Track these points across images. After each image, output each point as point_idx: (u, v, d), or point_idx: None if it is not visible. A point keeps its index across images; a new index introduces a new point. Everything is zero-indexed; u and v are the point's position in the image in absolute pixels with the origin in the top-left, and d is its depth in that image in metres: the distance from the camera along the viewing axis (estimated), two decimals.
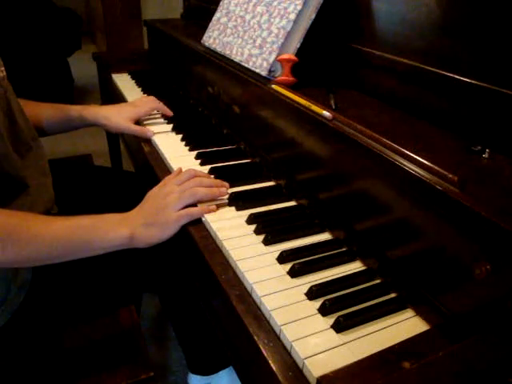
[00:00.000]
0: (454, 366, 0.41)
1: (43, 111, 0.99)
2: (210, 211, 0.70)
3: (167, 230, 0.68)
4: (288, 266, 0.59)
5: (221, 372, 1.09)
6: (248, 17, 0.93)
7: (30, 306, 0.72)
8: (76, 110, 1.00)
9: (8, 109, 0.76)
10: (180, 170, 0.78)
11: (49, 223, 0.64)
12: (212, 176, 0.80)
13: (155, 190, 0.73)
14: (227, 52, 0.97)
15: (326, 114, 0.64)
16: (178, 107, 1.13)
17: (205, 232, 0.68)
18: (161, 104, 1.07)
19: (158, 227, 0.67)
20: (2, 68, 0.77)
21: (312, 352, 0.46)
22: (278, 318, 0.50)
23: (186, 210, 0.69)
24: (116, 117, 0.99)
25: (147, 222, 0.67)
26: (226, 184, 0.76)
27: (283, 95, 0.74)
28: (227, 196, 0.74)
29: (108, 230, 0.66)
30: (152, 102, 1.06)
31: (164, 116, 1.08)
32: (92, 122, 1.00)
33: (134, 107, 1.04)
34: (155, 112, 1.08)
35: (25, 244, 0.61)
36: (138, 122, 1.04)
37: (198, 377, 1.09)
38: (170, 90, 1.33)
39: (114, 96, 1.43)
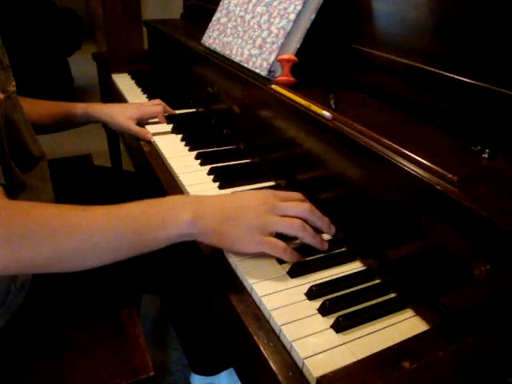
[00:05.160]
0: (454, 366, 0.41)
1: (45, 109, 1.00)
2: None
3: (237, 245, 0.57)
4: (288, 266, 0.59)
5: (221, 372, 1.09)
6: (248, 17, 0.93)
7: (30, 307, 0.72)
8: (81, 108, 1.02)
9: (12, 124, 0.74)
10: (294, 198, 0.63)
11: (89, 213, 0.54)
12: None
13: (250, 197, 0.61)
14: (227, 52, 0.97)
15: (326, 114, 0.64)
16: (178, 107, 1.14)
17: None
18: (167, 107, 1.09)
19: (227, 234, 0.57)
20: (14, 83, 0.77)
21: (312, 352, 0.46)
22: (277, 318, 0.50)
23: (277, 240, 0.57)
24: (119, 115, 1.01)
25: (223, 222, 0.57)
26: (333, 228, 0.63)
27: (283, 95, 0.74)
28: None
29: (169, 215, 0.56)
30: (158, 107, 1.07)
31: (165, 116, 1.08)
32: (96, 118, 1.03)
33: (138, 107, 1.05)
34: None
35: (66, 236, 0.52)
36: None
37: (201, 377, 1.09)
38: (170, 90, 1.33)
39: (113, 96, 1.43)
